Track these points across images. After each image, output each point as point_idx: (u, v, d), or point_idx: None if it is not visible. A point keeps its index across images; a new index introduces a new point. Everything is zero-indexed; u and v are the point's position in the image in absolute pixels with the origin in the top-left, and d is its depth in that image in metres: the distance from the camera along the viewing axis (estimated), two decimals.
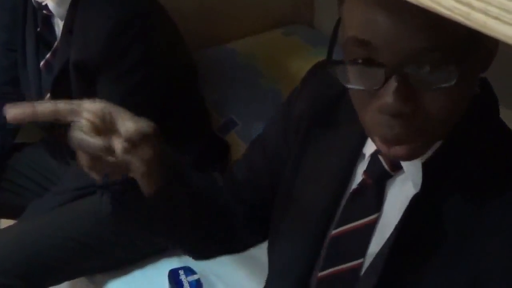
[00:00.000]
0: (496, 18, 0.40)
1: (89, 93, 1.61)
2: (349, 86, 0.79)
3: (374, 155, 0.89)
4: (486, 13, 0.40)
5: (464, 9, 0.41)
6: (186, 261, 1.71)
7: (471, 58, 0.74)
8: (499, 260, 0.80)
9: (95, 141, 0.83)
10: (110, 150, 0.84)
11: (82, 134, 0.84)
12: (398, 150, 0.78)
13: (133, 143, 0.84)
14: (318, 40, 2.29)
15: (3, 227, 1.90)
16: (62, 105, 0.86)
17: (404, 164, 0.86)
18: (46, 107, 0.86)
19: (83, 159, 0.86)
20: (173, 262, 1.71)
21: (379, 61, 0.74)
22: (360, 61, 0.76)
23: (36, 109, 0.85)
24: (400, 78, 0.73)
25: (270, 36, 2.43)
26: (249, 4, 2.42)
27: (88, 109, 0.86)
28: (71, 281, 1.75)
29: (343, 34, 0.78)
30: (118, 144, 0.83)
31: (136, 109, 1.68)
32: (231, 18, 2.40)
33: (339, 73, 0.79)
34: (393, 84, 0.73)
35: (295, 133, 1.01)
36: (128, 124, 0.87)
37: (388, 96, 0.74)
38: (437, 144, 0.84)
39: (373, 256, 0.89)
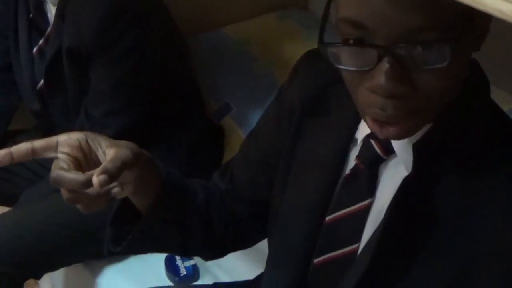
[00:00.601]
0: None
1: (82, 78, 1.61)
2: (341, 67, 0.78)
3: (366, 140, 0.90)
4: None
5: None
6: None
7: (464, 38, 0.74)
8: (492, 240, 0.80)
9: (73, 177, 0.83)
10: (89, 183, 0.83)
11: (60, 171, 0.84)
12: (390, 130, 0.78)
13: (111, 175, 0.83)
14: (313, 23, 2.28)
15: None
16: (38, 143, 0.86)
17: (396, 147, 0.86)
18: (22, 150, 0.86)
19: (64, 194, 0.87)
20: None
21: (371, 42, 0.74)
22: (352, 41, 0.75)
23: (13, 155, 0.85)
24: (393, 59, 0.73)
25: (264, 20, 2.42)
26: None
27: (64, 143, 0.87)
28: (67, 268, 1.75)
29: (335, 14, 0.77)
30: (95, 179, 0.82)
31: (129, 94, 1.68)
32: (224, 2, 2.38)
33: (331, 54, 0.78)
34: (385, 65, 0.73)
35: (287, 124, 1.01)
36: (107, 152, 0.87)
37: (380, 77, 0.73)
38: (428, 125, 0.83)
39: (367, 240, 0.90)
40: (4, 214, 1.70)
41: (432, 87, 0.75)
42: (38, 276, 1.68)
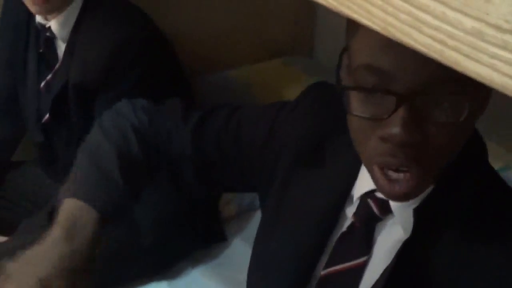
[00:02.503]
0: (467, 56, 0.41)
1: (87, 113, 1.63)
2: (354, 113, 0.77)
3: (363, 198, 0.89)
4: (458, 51, 0.42)
5: (438, 46, 0.43)
6: (175, 285, 1.71)
7: (479, 96, 0.74)
8: None
9: None
10: None
11: None
12: (397, 188, 0.77)
13: None
14: (317, 71, 2.31)
15: None
16: None
17: (394, 208, 0.85)
18: None
19: None
20: (162, 286, 1.72)
21: (390, 90, 0.73)
22: (370, 88, 0.74)
23: None
24: (410, 108, 0.72)
25: (269, 65, 2.45)
26: (250, 33, 2.45)
27: None
28: None
29: (354, 60, 0.77)
30: None
31: None
32: (231, 46, 2.42)
33: (344, 100, 0.77)
34: (402, 113, 0.72)
35: (274, 155, 0.99)
36: None
37: (395, 126, 0.72)
38: (428, 190, 0.83)
39: None
40: (3, 243, 1.71)
41: (443, 140, 0.74)
42: None
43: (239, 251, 1.83)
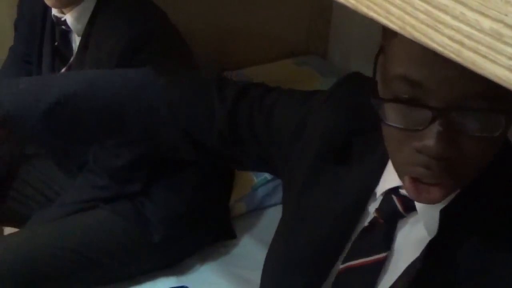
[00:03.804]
0: (484, 56, 0.41)
1: None
2: (389, 123, 0.76)
3: (387, 194, 0.88)
4: (476, 52, 0.42)
5: (456, 46, 0.43)
6: (184, 281, 1.72)
7: None
8: None
9: None
10: None
11: None
12: (428, 196, 0.77)
13: None
14: (330, 71, 2.31)
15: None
16: None
17: (418, 207, 0.85)
18: None
19: None
20: (171, 281, 1.72)
21: (426, 102, 0.72)
22: (406, 100, 0.74)
23: None
24: (446, 122, 0.71)
25: (283, 64, 2.46)
26: (265, 33, 2.45)
27: None
28: None
29: (390, 70, 0.76)
30: None
31: None
32: (245, 45, 2.43)
33: (379, 110, 0.77)
34: (437, 127, 0.71)
35: (302, 147, 0.99)
36: None
37: (431, 139, 0.72)
38: (456, 191, 0.83)
39: None
40: (13, 234, 1.72)
41: (477, 154, 0.74)
42: None
43: (248, 249, 1.83)
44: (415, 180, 0.77)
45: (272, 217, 1.93)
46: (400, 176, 0.81)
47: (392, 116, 0.76)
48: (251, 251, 1.82)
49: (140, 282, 1.73)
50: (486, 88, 0.68)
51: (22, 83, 1.05)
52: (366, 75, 1.00)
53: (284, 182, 1.06)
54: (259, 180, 1.99)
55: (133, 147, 1.64)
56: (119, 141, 1.58)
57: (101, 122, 1.09)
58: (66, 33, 1.70)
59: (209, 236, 1.86)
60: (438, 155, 0.73)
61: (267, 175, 1.98)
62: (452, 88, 0.70)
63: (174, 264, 1.78)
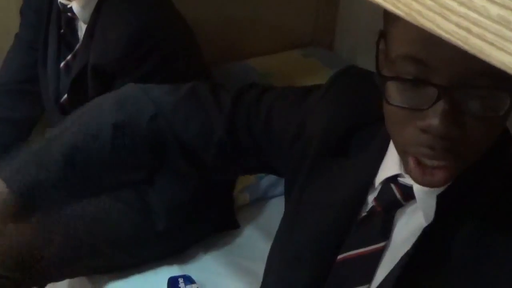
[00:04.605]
0: (491, 44, 0.41)
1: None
2: (393, 103, 0.76)
3: (386, 183, 0.88)
4: (483, 39, 0.41)
5: (463, 33, 0.42)
6: (187, 270, 1.72)
7: None
8: None
9: None
10: None
11: None
12: (431, 178, 0.76)
13: None
14: (336, 63, 2.31)
15: None
16: None
17: (417, 194, 0.85)
18: None
19: None
20: (174, 270, 1.72)
21: (432, 82, 0.72)
22: (411, 79, 0.74)
23: None
24: (451, 101, 0.72)
25: (289, 55, 2.45)
26: (271, 24, 2.44)
27: None
28: (71, 280, 1.76)
29: (394, 50, 0.76)
30: None
31: None
32: (252, 36, 2.42)
33: (383, 89, 0.77)
34: (442, 105, 0.72)
35: (303, 146, 0.99)
36: None
37: (435, 118, 0.72)
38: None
39: (378, 282, 0.89)
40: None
41: (481, 134, 0.74)
42: (41, 285, 1.69)
43: (251, 239, 1.83)
44: (420, 162, 0.76)
45: (275, 208, 1.92)
46: (403, 158, 0.80)
47: (396, 97, 0.76)
48: (254, 241, 1.82)
49: (142, 270, 1.73)
50: (491, 67, 0.68)
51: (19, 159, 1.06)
52: (361, 68, 1.00)
53: (286, 181, 1.06)
54: None
55: None
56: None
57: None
58: (72, 21, 1.70)
59: (213, 225, 1.86)
60: (442, 134, 0.73)
61: None
62: (457, 66, 0.70)
63: (177, 253, 1.78)
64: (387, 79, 0.76)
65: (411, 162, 0.77)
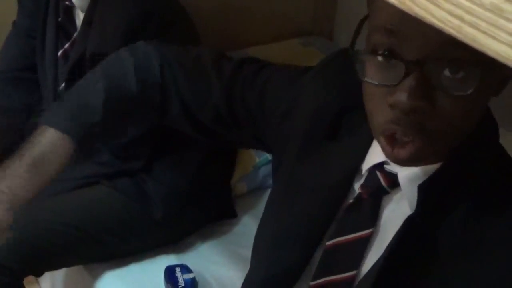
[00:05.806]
0: (484, 32, 0.41)
1: None
2: (366, 80, 0.77)
3: (372, 170, 0.89)
4: (476, 27, 0.41)
5: (456, 22, 0.42)
6: (184, 259, 1.72)
7: (493, 72, 0.73)
8: (491, 284, 0.80)
9: None
10: None
11: None
12: (401, 151, 0.77)
13: None
14: None
15: None
16: None
17: (402, 182, 0.85)
18: None
19: None
20: (171, 259, 1.73)
21: (401, 56, 0.73)
22: (381, 52, 0.75)
23: None
24: (420, 76, 0.72)
25: (288, 45, 2.45)
26: (270, 13, 2.44)
27: None
28: (68, 268, 1.76)
29: (368, 27, 0.77)
30: None
31: None
32: (251, 25, 2.42)
33: (357, 65, 0.78)
34: (411, 81, 0.72)
35: (292, 126, 1.00)
36: None
37: (403, 93, 0.73)
38: (436, 166, 0.83)
39: (367, 269, 0.89)
40: None
41: (450, 113, 0.74)
42: (38, 274, 1.69)
43: (249, 228, 1.83)
44: (391, 139, 0.77)
45: None
46: (377, 137, 0.81)
47: (370, 73, 0.77)
48: (252, 231, 1.79)
49: (140, 259, 1.74)
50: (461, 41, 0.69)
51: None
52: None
53: (275, 160, 1.07)
54: (260, 160, 1.99)
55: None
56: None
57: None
58: (70, 9, 1.69)
59: (210, 214, 1.86)
60: (408, 109, 0.73)
61: (269, 155, 1.98)
62: (427, 37, 0.71)
63: (174, 241, 1.79)
64: (358, 54, 0.78)
65: (382, 139, 0.79)
